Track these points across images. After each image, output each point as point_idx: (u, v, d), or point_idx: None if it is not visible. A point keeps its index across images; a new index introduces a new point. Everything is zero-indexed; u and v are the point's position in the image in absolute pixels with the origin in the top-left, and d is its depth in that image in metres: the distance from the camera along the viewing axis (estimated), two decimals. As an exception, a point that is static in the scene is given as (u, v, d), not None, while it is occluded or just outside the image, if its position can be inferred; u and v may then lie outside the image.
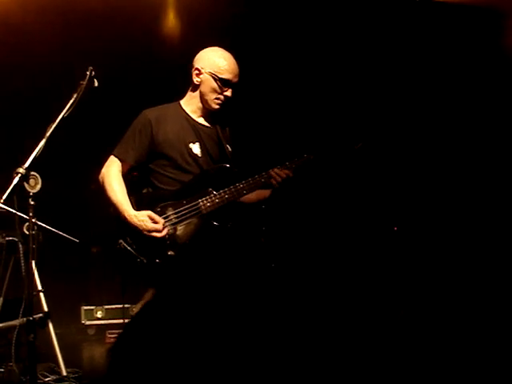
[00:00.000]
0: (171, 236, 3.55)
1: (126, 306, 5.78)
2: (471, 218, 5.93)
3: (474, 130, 5.99)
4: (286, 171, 3.66)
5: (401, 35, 6.06)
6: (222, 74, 3.71)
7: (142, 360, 3.54)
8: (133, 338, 3.67)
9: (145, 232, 3.52)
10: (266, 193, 3.84)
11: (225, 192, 3.62)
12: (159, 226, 3.54)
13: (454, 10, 6.03)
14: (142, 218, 3.54)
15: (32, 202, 3.25)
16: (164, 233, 3.54)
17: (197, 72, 3.76)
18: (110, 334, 5.68)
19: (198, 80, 3.76)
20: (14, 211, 3.64)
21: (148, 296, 3.79)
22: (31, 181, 3.21)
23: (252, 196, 3.76)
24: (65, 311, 5.51)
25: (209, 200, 3.61)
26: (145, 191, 3.76)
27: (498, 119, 5.98)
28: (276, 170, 3.67)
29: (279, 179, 3.65)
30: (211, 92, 3.74)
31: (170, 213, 3.60)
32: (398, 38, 6.07)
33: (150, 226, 3.53)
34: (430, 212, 6.06)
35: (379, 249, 5.97)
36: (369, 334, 4.83)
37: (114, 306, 5.86)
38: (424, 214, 6.07)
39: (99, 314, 5.85)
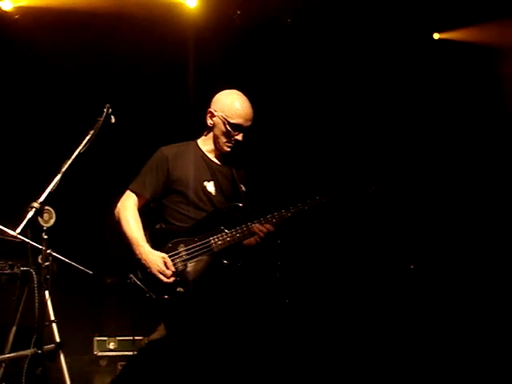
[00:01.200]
0: (181, 272, 3.58)
1: (138, 338, 5.79)
2: (489, 258, 5.90)
3: (489, 171, 5.99)
4: (268, 225, 3.65)
5: (417, 77, 6.11)
6: (232, 119, 3.74)
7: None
8: (135, 373, 3.71)
9: (153, 271, 3.56)
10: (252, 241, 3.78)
11: (236, 231, 3.65)
12: (169, 273, 3.57)
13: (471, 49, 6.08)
14: (156, 258, 3.58)
15: (45, 236, 3.28)
16: (169, 281, 3.56)
17: (210, 114, 3.82)
18: (121, 365, 5.68)
19: (211, 122, 3.82)
20: (28, 241, 3.71)
21: (161, 328, 3.81)
22: (45, 215, 3.24)
23: (252, 240, 3.75)
24: (77, 341, 5.53)
25: (220, 238, 3.64)
26: (158, 226, 3.81)
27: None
28: (257, 225, 3.66)
29: (262, 234, 3.65)
30: (222, 135, 3.78)
31: (182, 249, 3.63)
32: (414, 80, 6.12)
33: (162, 267, 3.56)
34: (445, 250, 6.04)
35: (393, 287, 5.96)
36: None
37: (126, 338, 5.87)
38: (439, 253, 6.05)
39: (112, 346, 5.86)
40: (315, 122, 6.13)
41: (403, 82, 6.16)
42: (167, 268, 3.57)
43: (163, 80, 5.90)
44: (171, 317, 3.58)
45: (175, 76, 6.07)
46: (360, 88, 6.14)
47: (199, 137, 3.94)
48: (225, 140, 3.78)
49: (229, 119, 3.75)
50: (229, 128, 3.75)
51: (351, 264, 6.02)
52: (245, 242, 3.72)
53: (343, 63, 6.12)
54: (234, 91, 3.85)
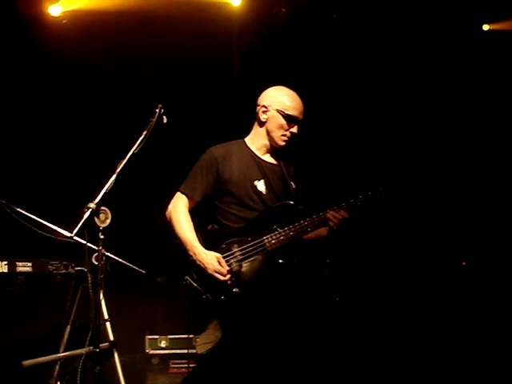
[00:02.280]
0: (236, 273, 3.58)
1: (190, 336, 5.82)
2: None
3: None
4: (343, 213, 3.64)
5: (468, 70, 6.01)
6: (288, 111, 3.76)
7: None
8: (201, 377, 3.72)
9: (209, 271, 3.57)
10: (324, 231, 3.82)
11: (289, 229, 3.64)
12: (224, 271, 3.58)
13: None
14: (211, 258, 3.59)
15: (102, 236, 3.31)
16: (227, 278, 3.57)
17: (264, 109, 3.81)
18: (173, 363, 5.73)
19: (265, 117, 3.81)
20: (84, 242, 3.74)
21: (212, 327, 3.82)
22: (101, 215, 3.27)
23: (311, 234, 3.76)
24: (129, 340, 5.58)
25: (273, 237, 3.63)
26: (210, 227, 3.81)
27: None
28: (331, 212, 3.65)
29: (336, 221, 3.63)
30: (278, 129, 3.78)
31: (236, 249, 3.63)
32: (465, 72, 6.02)
33: (217, 267, 3.57)
34: (499, 245, 5.93)
35: (446, 284, 5.87)
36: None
37: (177, 336, 5.91)
38: (492, 247, 5.94)
39: (163, 344, 5.91)
40: (364, 116, 6.07)
41: (454, 75, 6.06)
42: (222, 267, 3.57)
43: (209, 78, 5.91)
44: (228, 317, 3.58)
45: (221, 73, 6.08)
46: (411, 81, 6.06)
47: (246, 135, 3.94)
48: (280, 134, 3.78)
49: (286, 111, 3.75)
50: (285, 121, 3.75)
51: (403, 260, 5.95)
52: (306, 236, 3.72)
53: (391, 55, 6.05)
54: (284, 87, 3.86)
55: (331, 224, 3.63)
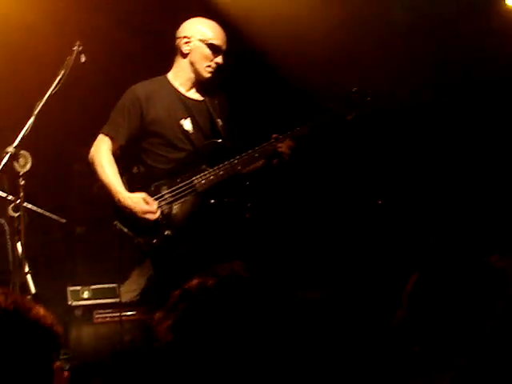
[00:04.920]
0: (167, 215, 3.50)
1: (112, 285, 5.72)
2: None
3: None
4: (289, 142, 3.61)
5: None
6: (212, 40, 3.65)
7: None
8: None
9: (139, 214, 3.46)
10: (260, 163, 3.76)
11: (219, 168, 3.58)
12: (153, 208, 3.48)
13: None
14: (136, 200, 3.48)
15: (22, 182, 3.14)
16: (157, 214, 3.48)
17: (186, 40, 3.67)
18: (97, 313, 5.61)
19: (188, 48, 3.67)
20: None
21: (135, 275, 3.76)
22: (21, 160, 3.11)
23: (247, 168, 3.70)
24: (51, 292, 5.42)
25: (203, 177, 3.56)
26: (135, 170, 3.69)
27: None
28: (276, 143, 3.61)
29: (287, 151, 3.59)
30: (202, 59, 3.66)
31: (165, 192, 3.54)
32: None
33: (145, 208, 3.47)
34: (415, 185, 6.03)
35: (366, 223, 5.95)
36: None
37: (100, 286, 5.78)
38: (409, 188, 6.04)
39: (86, 295, 5.77)
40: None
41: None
42: (150, 205, 3.48)
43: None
44: (160, 260, 3.51)
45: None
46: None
47: (168, 70, 3.79)
48: (205, 64, 3.67)
49: (209, 41, 3.64)
50: (209, 50, 3.65)
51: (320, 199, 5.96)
52: (246, 169, 3.66)
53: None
54: (203, 18, 3.76)
55: (283, 155, 3.59)
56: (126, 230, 3.49)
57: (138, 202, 3.48)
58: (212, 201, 3.54)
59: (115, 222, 3.50)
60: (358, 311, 4.70)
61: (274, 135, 3.66)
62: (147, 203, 3.48)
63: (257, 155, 3.63)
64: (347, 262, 5.51)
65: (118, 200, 3.50)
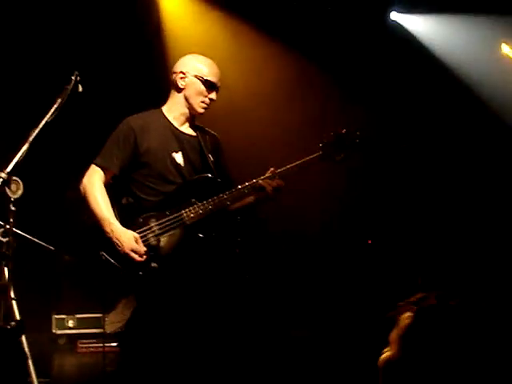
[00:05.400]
0: (154, 247, 3.51)
1: (97, 315, 5.69)
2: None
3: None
4: (278, 181, 3.64)
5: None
6: (207, 77, 3.73)
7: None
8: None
9: (126, 250, 3.48)
10: (250, 199, 3.79)
11: (208, 203, 3.59)
12: (141, 250, 3.50)
13: None
14: (129, 236, 3.50)
15: (13, 208, 3.16)
16: (142, 259, 3.49)
17: (181, 75, 3.75)
18: (81, 343, 5.57)
19: (183, 83, 3.74)
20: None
21: (121, 306, 3.74)
22: (13, 186, 3.13)
23: (237, 203, 3.74)
24: (36, 320, 5.38)
25: (192, 211, 3.57)
26: (124, 201, 3.71)
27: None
28: (266, 180, 3.64)
29: (270, 188, 3.62)
30: (197, 95, 3.73)
31: (153, 224, 3.56)
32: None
33: (134, 246, 3.49)
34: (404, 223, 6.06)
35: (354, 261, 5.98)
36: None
37: (85, 316, 5.75)
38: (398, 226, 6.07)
39: (71, 324, 5.74)
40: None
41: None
42: (139, 245, 3.50)
43: (129, 48, 5.67)
44: (145, 293, 3.50)
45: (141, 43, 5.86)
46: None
47: (162, 104, 3.86)
48: (199, 100, 3.73)
49: (204, 77, 3.72)
50: (204, 87, 3.72)
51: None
52: (235, 204, 3.69)
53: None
54: (200, 55, 3.86)
55: (268, 191, 3.62)
56: (112, 260, 3.49)
57: (130, 238, 3.49)
58: (200, 235, 3.55)
59: (101, 253, 3.50)
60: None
61: (271, 168, 3.69)
62: (137, 243, 3.50)
63: (246, 191, 3.65)
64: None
65: (111, 230, 3.51)
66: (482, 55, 5.84)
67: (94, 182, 3.62)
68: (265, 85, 5.84)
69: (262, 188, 3.64)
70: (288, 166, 3.68)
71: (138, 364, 3.51)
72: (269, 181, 3.64)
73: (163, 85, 4.09)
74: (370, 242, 6.11)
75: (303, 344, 5.23)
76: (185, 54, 3.92)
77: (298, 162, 3.69)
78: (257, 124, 5.74)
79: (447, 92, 6.02)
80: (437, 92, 6.02)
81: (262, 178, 3.67)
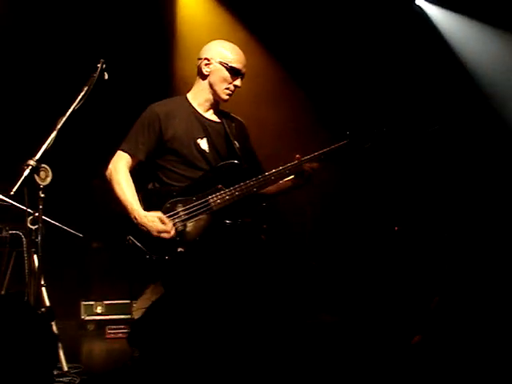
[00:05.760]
0: (181, 233, 3.52)
1: (125, 302, 5.76)
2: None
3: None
4: (315, 163, 3.66)
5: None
6: (232, 63, 3.72)
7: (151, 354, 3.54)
8: (141, 335, 3.66)
9: (154, 233, 3.49)
10: (287, 183, 3.80)
11: (235, 189, 3.60)
12: (168, 228, 3.51)
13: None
14: (152, 219, 3.51)
15: (42, 195, 3.20)
16: (172, 234, 3.51)
17: (206, 62, 3.75)
18: (109, 329, 5.65)
19: (208, 70, 3.74)
20: (17, 205, 3.61)
21: (149, 292, 3.76)
22: (41, 173, 3.17)
23: (272, 188, 3.75)
24: (65, 306, 5.47)
25: (219, 197, 3.58)
26: (151, 187, 3.73)
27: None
28: (307, 164, 3.66)
29: (310, 171, 3.64)
30: (221, 82, 3.73)
31: (180, 209, 3.57)
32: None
33: (160, 227, 3.50)
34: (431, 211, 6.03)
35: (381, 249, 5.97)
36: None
37: (113, 302, 5.83)
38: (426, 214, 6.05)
39: (99, 310, 5.82)
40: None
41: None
42: (166, 224, 3.51)
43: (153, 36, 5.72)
44: (172, 278, 3.52)
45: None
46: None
47: (188, 91, 3.86)
48: (224, 87, 3.73)
49: (229, 64, 3.71)
50: (229, 73, 3.71)
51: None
52: (269, 190, 3.72)
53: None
54: (225, 40, 3.83)
55: (311, 176, 3.65)
56: (139, 244, 3.51)
57: (154, 221, 3.50)
58: (227, 221, 3.56)
59: (128, 237, 3.53)
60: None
61: (297, 155, 3.69)
62: (163, 222, 3.51)
63: (273, 178, 3.65)
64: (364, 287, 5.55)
65: (135, 217, 3.53)
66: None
67: (119, 168, 3.64)
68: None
69: (300, 172, 3.66)
70: (315, 153, 3.68)
71: (165, 350, 3.53)
72: (308, 164, 3.65)
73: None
74: (396, 228, 6.09)
75: (331, 329, 5.23)
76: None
77: (324, 150, 3.69)
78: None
79: (457, 88, 6.01)
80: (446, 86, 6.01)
81: (290, 164, 3.66)
